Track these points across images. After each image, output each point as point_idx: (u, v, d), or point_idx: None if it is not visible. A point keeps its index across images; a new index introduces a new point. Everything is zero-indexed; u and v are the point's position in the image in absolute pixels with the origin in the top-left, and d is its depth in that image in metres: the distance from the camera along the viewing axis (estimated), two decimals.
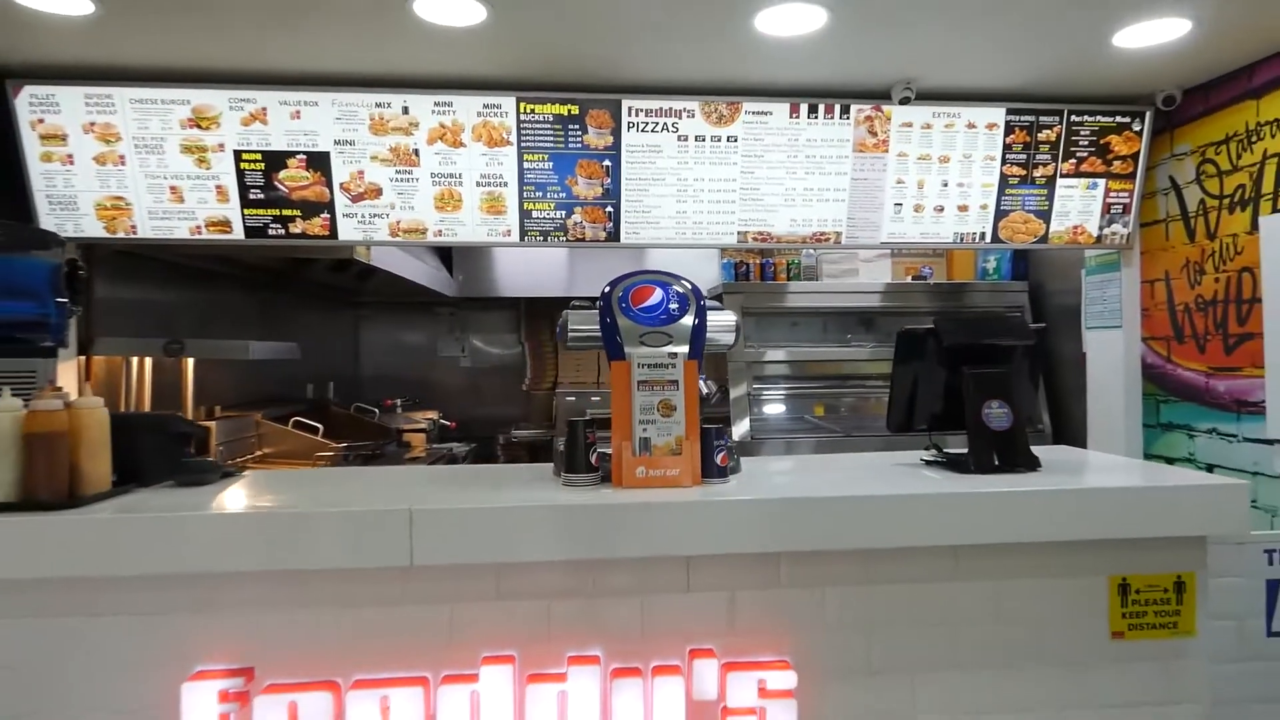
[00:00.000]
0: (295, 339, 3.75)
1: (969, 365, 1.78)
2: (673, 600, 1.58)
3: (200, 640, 1.47)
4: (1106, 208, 2.69)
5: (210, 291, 3.72)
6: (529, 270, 5.10)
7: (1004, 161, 2.61)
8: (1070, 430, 3.31)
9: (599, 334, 1.73)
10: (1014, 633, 1.66)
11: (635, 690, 1.52)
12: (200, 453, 2.55)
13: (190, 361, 3.40)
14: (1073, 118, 2.61)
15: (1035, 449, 1.84)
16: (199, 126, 2.31)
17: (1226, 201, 2.44)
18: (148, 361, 3.03)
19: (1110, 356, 2.88)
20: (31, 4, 1.86)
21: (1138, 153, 2.66)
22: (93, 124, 2.29)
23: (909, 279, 3.87)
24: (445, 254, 4.90)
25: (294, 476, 2.10)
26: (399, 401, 4.81)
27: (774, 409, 3.74)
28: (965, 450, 1.77)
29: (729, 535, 1.54)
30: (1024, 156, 2.62)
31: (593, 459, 1.72)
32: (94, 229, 2.35)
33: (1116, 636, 1.67)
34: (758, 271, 3.73)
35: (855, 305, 3.82)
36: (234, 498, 1.61)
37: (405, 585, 1.52)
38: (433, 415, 4.73)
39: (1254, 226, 2.30)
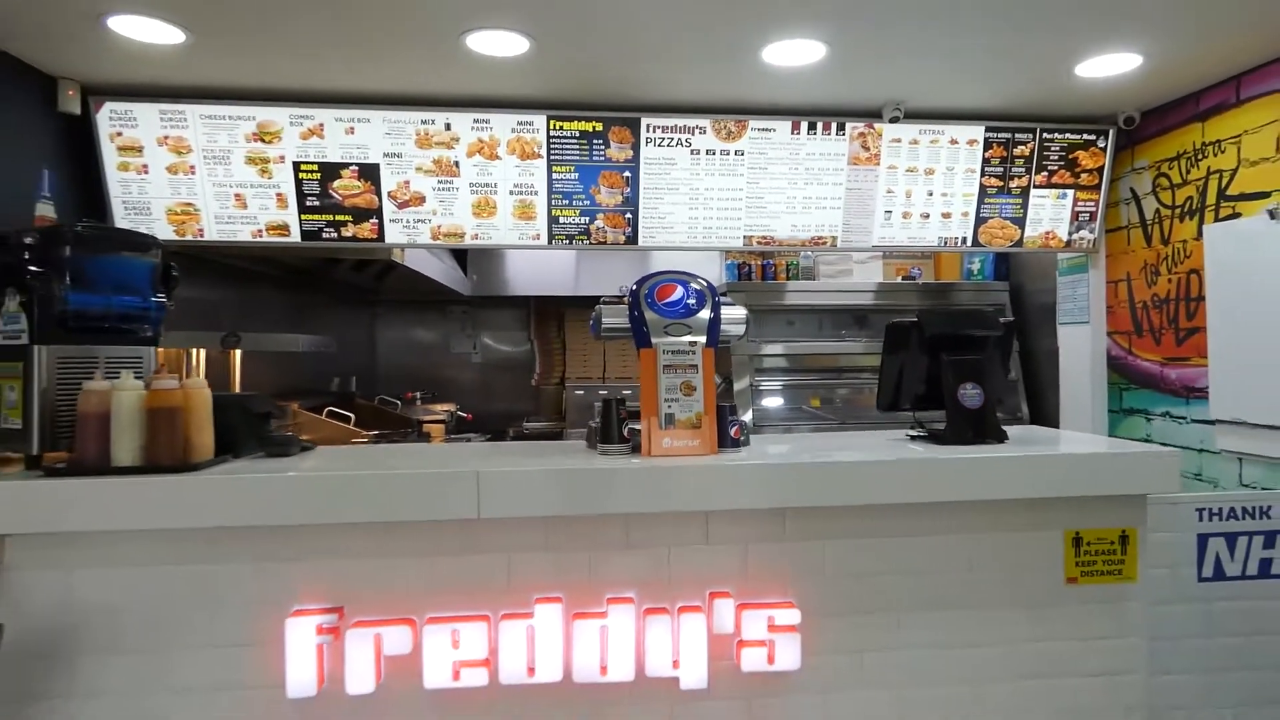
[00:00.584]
0: (321, 335, 4.02)
1: (947, 353, 2.06)
2: (694, 551, 1.86)
3: (299, 583, 1.74)
4: (1075, 215, 2.99)
5: (246, 290, 3.97)
6: (538, 270, 5.36)
7: (983, 174, 2.90)
8: (1045, 416, 3.61)
9: (628, 326, 2.00)
10: (984, 578, 1.94)
11: (664, 625, 1.80)
12: None
13: (238, 354, 3.66)
14: (1044, 135, 2.90)
15: (1009, 429, 2.13)
16: (262, 140, 2.58)
17: (1177, 211, 2.73)
18: (203, 353, 3.29)
19: (1079, 349, 3.18)
20: (130, 34, 2.12)
21: (1102, 167, 2.95)
22: (166, 137, 2.55)
23: (899, 279, 4.15)
24: (461, 255, 5.16)
25: (363, 450, 2.37)
26: (418, 394, 5.08)
27: (774, 400, 4.01)
28: (944, 426, 2.06)
29: (742, 494, 1.82)
30: (1001, 169, 2.91)
31: (625, 433, 2.00)
32: (165, 232, 2.61)
33: (1070, 582, 1.96)
34: (759, 272, 4.01)
35: (849, 303, 4.10)
36: (318, 465, 1.88)
37: (470, 537, 1.79)
38: (450, 407, 4.99)
39: (1199, 234, 2.60)
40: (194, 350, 2.98)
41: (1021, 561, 1.94)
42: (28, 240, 1.83)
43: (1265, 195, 2.38)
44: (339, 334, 5.30)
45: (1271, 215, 2.26)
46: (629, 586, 1.80)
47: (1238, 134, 2.48)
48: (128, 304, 1.97)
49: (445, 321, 5.82)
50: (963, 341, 2.09)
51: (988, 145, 2.86)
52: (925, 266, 4.19)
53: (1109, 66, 2.39)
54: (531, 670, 1.74)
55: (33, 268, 1.76)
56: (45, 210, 2.34)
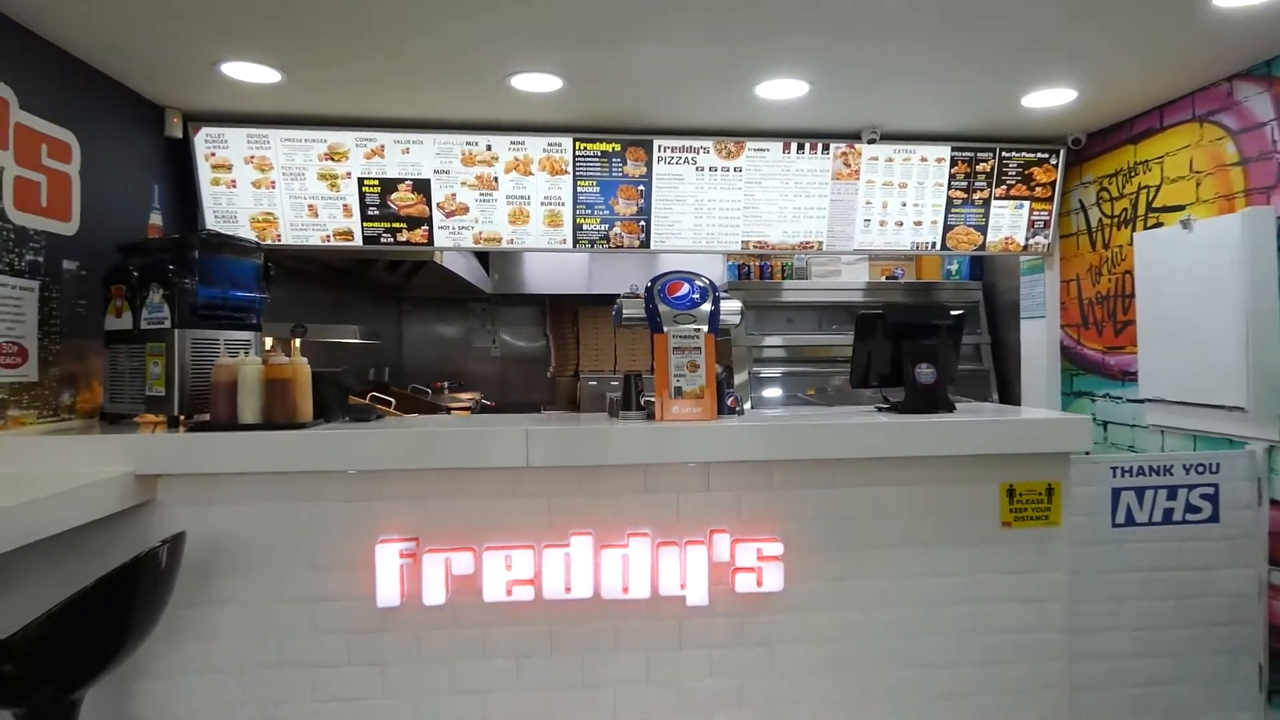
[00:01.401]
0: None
1: (906, 339, 2.50)
2: (698, 496, 2.29)
3: (384, 518, 2.19)
4: (1030, 224, 3.42)
5: (295, 287, 4.43)
6: (553, 271, 5.80)
7: (949, 187, 3.33)
8: (1012, 400, 4.03)
9: (644, 316, 2.44)
10: (936, 522, 2.37)
11: (674, 555, 2.24)
12: None
13: (297, 343, 4.11)
14: (1003, 153, 3.34)
15: (970, 404, 2.57)
16: (332, 159, 3.03)
17: (1115, 221, 3.16)
18: (268, 341, 3.73)
19: (1038, 340, 3.61)
20: (236, 76, 2.58)
21: (1054, 181, 3.38)
22: (252, 157, 3.00)
23: (884, 278, 4.59)
24: (483, 257, 5.62)
25: (426, 418, 2.83)
26: (446, 384, 5.53)
27: (772, 390, 4.43)
28: (903, 399, 2.50)
29: (736, 449, 2.26)
30: (965, 183, 3.35)
31: (641, 403, 2.46)
32: (248, 238, 3.06)
33: (1005, 526, 2.39)
34: (757, 271, 4.45)
35: (839, 300, 4.52)
36: (395, 427, 2.33)
37: (518, 483, 2.23)
38: (475, 396, 5.44)
39: (1131, 241, 3.03)
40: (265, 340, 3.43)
41: (965, 508, 2.37)
42: (166, 246, 2.29)
43: (1181, 208, 2.81)
44: (371, 329, 5.77)
45: (1184, 225, 2.69)
46: (646, 524, 2.25)
47: (1161, 155, 2.91)
48: (240, 297, 2.42)
49: (467, 318, 6.27)
50: (919, 329, 2.52)
51: (953, 163, 3.30)
52: (908, 267, 4.62)
53: (1049, 99, 2.83)
54: (568, 589, 2.18)
55: (171, 268, 2.22)
56: (156, 219, 2.82)
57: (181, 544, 1.75)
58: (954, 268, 4.50)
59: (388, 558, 2.13)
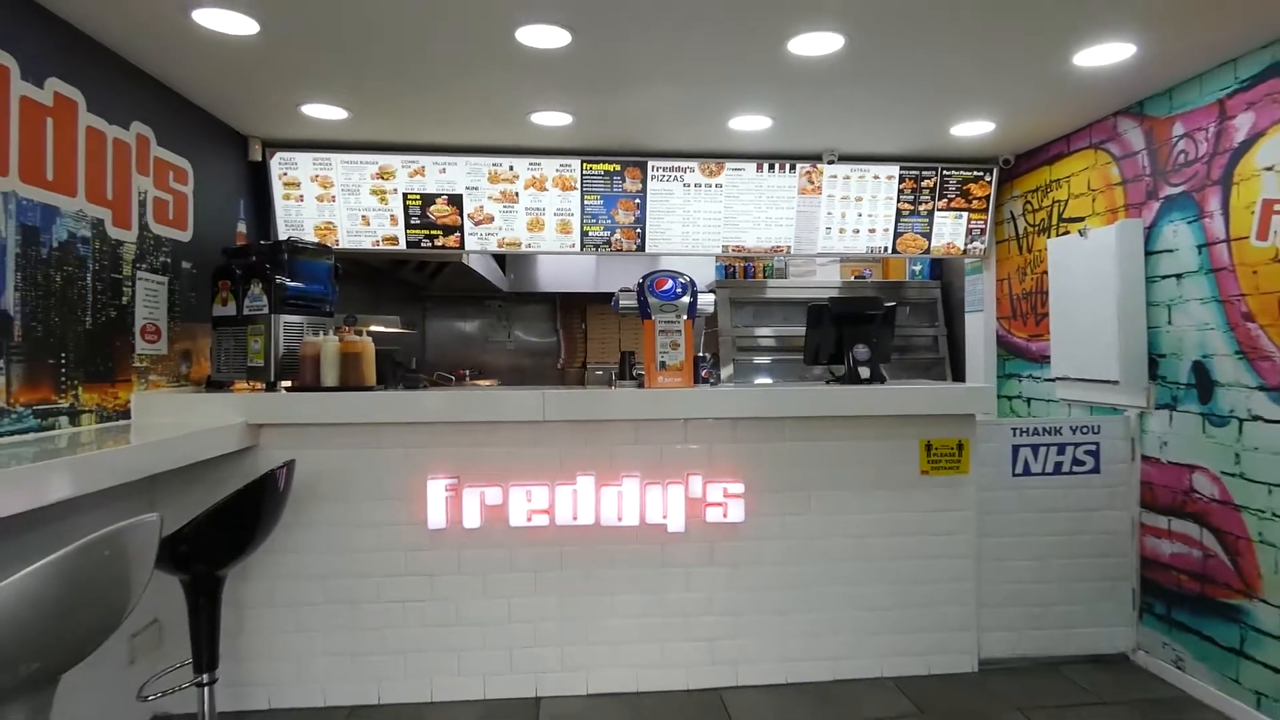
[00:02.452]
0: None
1: (847, 326, 3.11)
2: (678, 446, 2.90)
3: (433, 461, 2.81)
4: (969, 231, 4.01)
5: (340, 285, 5.08)
6: (563, 271, 6.42)
7: (898, 200, 3.93)
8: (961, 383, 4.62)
9: (637, 306, 3.06)
10: (867, 470, 2.97)
11: (658, 492, 2.84)
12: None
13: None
14: (945, 172, 3.93)
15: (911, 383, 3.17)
16: (382, 178, 3.67)
17: (1036, 229, 3.75)
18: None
19: (978, 331, 4.20)
20: (313, 115, 3.21)
21: (989, 195, 3.97)
22: (316, 176, 3.64)
23: (853, 278, 5.18)
24: (501, 259, 6.25)
25: (462, 388, 3.47)
26: (468, 372, 6.16)
27: (756, 375, 5.04)
28: (845, 373, 3.11)
29: (706, 408, 2.86)
30: (912, 197, 3.94)
31: (633, 374, 3.08)
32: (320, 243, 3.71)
33: (924, 473, 2.99)
34: (741, 272, 5.05)
35: (813, 297, 5.06)
36: (440, 390, 2.96)
37: (536, 435, 2.85)
38: (494, 383, 6.08)
39: (1047, 246, 3.62)
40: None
41: (892, 459, 2.97)
42: (263, 251, 2.94)
43: (1081, 219, 3.40)
44: (405, 320, 6.42)
45: (1081, 234, 3.28)
46: (636, 468, 2.86)
47: (1068, 175, 3.50)
48: (317, 290, 3.06)
49: (484, 314, 6.89)
50: (858, 318, 3.13)
51: (902, 180, 3.89)
52: (875, 268, 5.21)
53: (973, 130, 3.42)
54: (575, 517, 2.79)
55: (267, 266, 2.86)
56: (241, 227, 3.48)
57: (293, 469, 2.37)
58: (917, 269, 5.08)
59: (436, 491, 2.75)
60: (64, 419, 2.27)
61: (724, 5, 2.25)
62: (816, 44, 2.51)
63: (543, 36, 2.44)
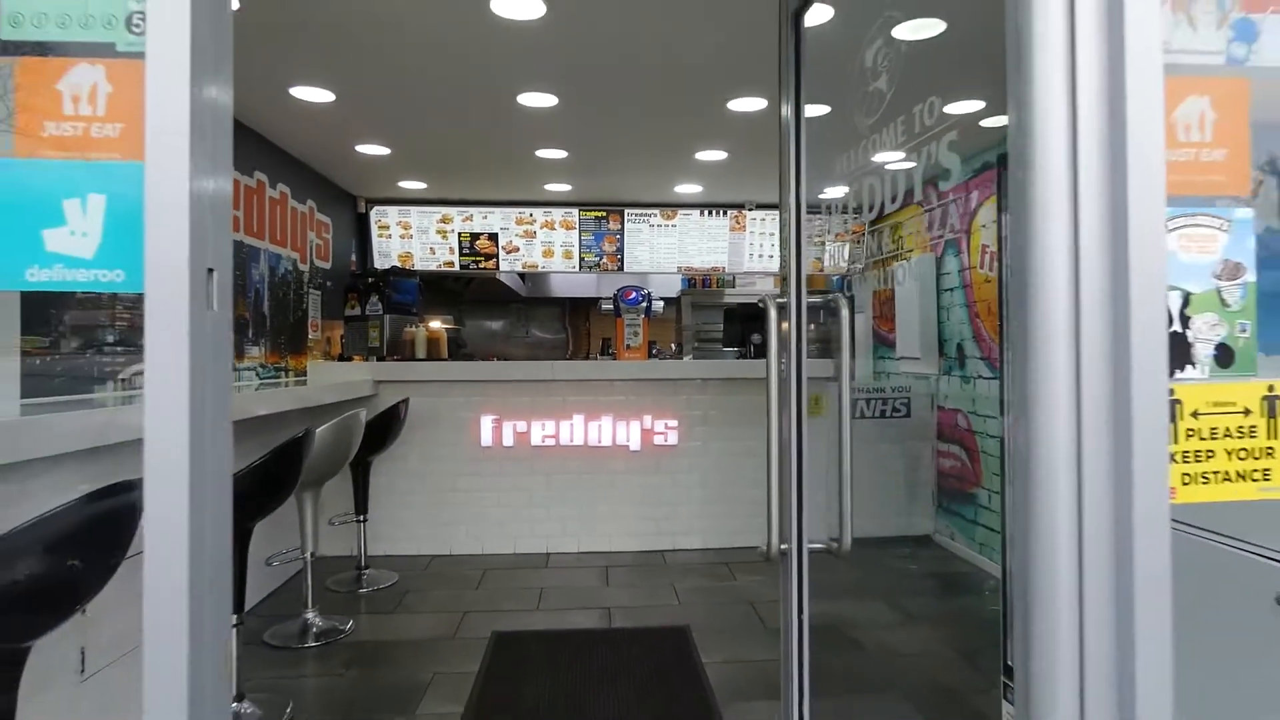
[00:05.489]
0: None
1: (748, 320, 4.78)
2: (636, 396, 4.57)
3: (484, 405, 4.48)
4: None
5: None
6: (571, 282, 8.10)
7: None
8: None
9: (614, 308, 4.76)
10: (759, 413, 4.64)
11: (624, 425, 4.52)
12: None
13: None
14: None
15: None
16: (443, 221, 5.37)
17: (892, 255, 5.44)
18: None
19: (863, 328, 5.89)
20: (404, 185, 4.96)
21: (863, 232, 5.67)
22: (399, 221, 5.35)
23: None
24: (521, 274, 7.94)
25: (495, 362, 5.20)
26: (495, 359, 7.88)
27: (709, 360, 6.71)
28: (748, 352, 4.76)
29: (656, 373, 4.56)
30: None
31: (611, 351, 4.79)
32: (409, 268, 5.42)
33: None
34: (700, 282, 6.72)
35: (752, 302, 6.81)
36: (488, 362, 4.67)
37: (549, 390, 4.54)
38: None
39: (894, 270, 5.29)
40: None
41: None
42: (377, 274, 4.66)
43: (912, 250, 5.08)
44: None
45: (908, 262, 4.96)
46: (612, 409, 4.54)
47: (911, 217, 5.18)
48: (410, 299, 4.78)
49: (507, 315, 8.59)
50: (756, 315, 4.81)
51: None
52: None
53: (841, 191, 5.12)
54: (572, 440, 4.48)
55: (381, 285, 4.58)
56: (352, 257, 5.24)
57: (408, 404, 4.08)
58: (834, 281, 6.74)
59: (486, 423, 4.44)
60: (282, 375, 4.00)
61: (664, 136, 3.94)
62: (713, 154, 4.20)
63: (551, 154, 4.15)
